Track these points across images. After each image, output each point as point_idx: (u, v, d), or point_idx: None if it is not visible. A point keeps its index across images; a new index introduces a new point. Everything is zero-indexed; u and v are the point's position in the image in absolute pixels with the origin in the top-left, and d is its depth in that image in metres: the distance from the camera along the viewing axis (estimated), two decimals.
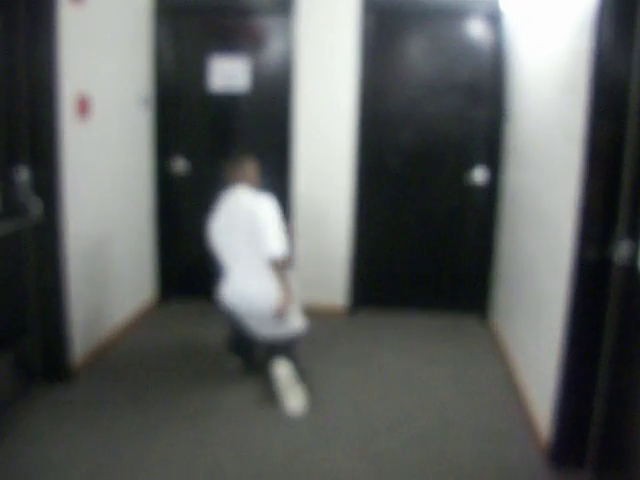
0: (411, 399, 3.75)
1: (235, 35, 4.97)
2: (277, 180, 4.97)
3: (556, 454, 3.00)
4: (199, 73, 5.00)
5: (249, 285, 3.68)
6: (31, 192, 3.46)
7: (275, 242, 3.55)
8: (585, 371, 2.87)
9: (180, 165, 5.14)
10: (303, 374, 3.89)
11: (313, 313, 4.86)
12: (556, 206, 3.24)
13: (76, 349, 3.86)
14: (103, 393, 3.71)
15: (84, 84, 3.83)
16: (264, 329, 3.77)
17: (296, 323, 3.80)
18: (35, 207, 3.48)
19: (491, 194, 4.96)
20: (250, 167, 3.86)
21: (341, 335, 4.74)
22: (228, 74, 4.97)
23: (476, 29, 4.81)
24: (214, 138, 5.22)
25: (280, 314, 3.60)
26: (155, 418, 3.44)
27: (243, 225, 3.64)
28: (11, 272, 3.48)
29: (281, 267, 3.61)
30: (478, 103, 4.89)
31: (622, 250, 2.61)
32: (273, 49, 4.96)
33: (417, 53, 4.95)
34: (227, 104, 5.04)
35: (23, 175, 3.43)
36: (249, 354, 4.08)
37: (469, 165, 4.97)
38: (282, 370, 3.68)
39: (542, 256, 3.50)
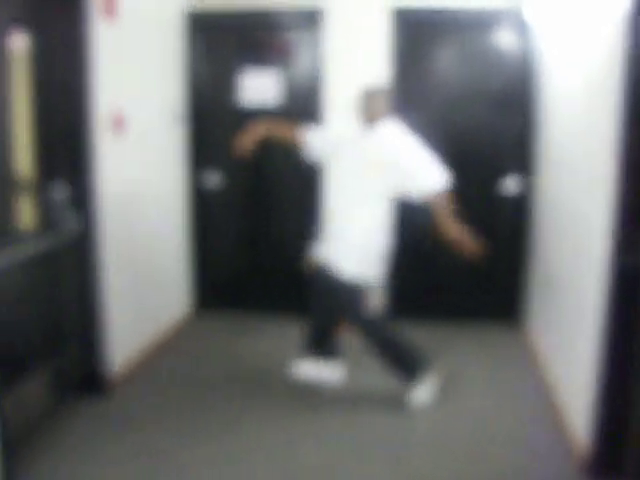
0: (445, 411, 3.73)
1: (265, 50, 5.02)
2: (307, 194, 4.99)
3: (594, 464, 2.96)
4: (231, 88, 5.06)
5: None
6: (68, 207, 3.53)
7: None
8: (623, 380, 2.83)
9: (214, 179, 5.20)
10: None
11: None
12: (590, 212, 3.21)
13: (115, 362, 3.92)
14: (141, 406, 3.75)
15: (119, 100, 3.91)
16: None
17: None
18: (72, 222, 3.55)
19: (523, 202, 4.93)
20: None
21: None
22: (259, 88, 5.02)
23: (505, 38, 4.79)
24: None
25: None
26: (193, 431, 3.47)
27: None
28: (50, 286, 3.55)
29: None
30: (509, 112, 4.87)
31: None
32: (303, 63, 5.00)
33: (447, 64, 4.96)
34: (258, 118, 5.07)
35: (60, 190, 3.50)
36: (333, 349, 4.02)
37: (501, 174, 4.95)
38: None
39: (577, 263, 3.47)
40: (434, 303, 5.23)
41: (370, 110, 3.69)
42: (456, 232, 3.63)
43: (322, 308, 3.91)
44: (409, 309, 5.19)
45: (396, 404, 3.79)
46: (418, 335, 4.92)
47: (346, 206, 3.69)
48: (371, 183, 3.61)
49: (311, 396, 3.89)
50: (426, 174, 3.59)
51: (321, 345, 4.00)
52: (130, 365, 4.14)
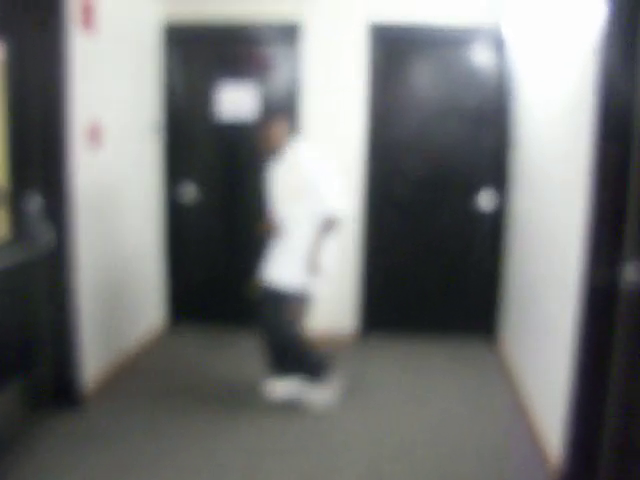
0: (420, 424, 3.74)
1: (243, 63, 5.03)
2: None
3: (567, 477, 2.98)
4: (208, 101, 5.06)
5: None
6: (42, 218, 3.50)
7: None
8: (596, 394, 2.85)
9: (189, 192, 5.18)
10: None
11: (319, 338, 4.88)
12: (563, 229, 3.25)
13: (87, 375, 3.87)
14: (115, 419, 3.71)
15: (95, 111, 3.89)
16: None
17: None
18: (46, 233, 3.51)
19: (498, 218, 4.98)
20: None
21: (349, 360, 4.73)
22: (236, 102, 5.02)
23: (481, 55, 4.86)
24: (223, 166, 5.25)
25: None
26: (166, 444, 3.44)
27: None
28: (22, 299, 3.50)
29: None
30: (484, 128, 4.92)
31: (629, 272, 2.62)
32: (281, 77, 5.02)
33: (423, 80, 5.01)
34: (235, 132, 5.08)
35: (34, 202, 3.47)
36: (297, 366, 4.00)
37: (476, 190, 5.00)
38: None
39: (550, 279, 3.51)
40: (409, 317, 5.25)
41: (272, 138, 3.76)
42: (315, 256, 3.71)
43: (270, 326, 3.89)
44: (384, 323, 5.21)
45: (370, 417, 3.79)
46: (392, 348, 4.96)
47: (286, 226, 3.79)
48: (299, 204, 3.72)
49: (286, 410, 3.87)
50: (328, 196, 3.68)
51: (284, 362, 3.97)
52: (103, 379, 4.09)
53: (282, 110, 3.95)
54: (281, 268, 3.77)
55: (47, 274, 3.60)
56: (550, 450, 3.23)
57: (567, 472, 2.98)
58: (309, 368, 3.93)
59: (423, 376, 4.44)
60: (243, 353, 4.78)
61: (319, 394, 3.93)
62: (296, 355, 3.91)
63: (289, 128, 3.83)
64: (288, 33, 4.91)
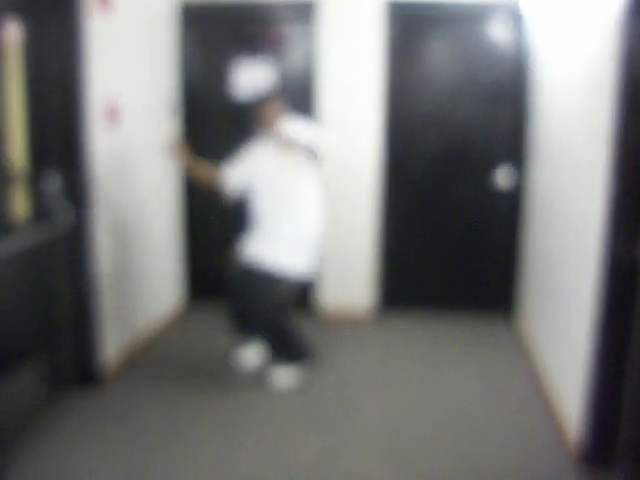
0: (438, 402, 3.75)
1: (259, 42, 5.01)
2: None
3: (587, 454, 2.98)
4: (224, 80, 5.05)
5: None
6: (61, 198, 3.52)
7: None
8: (616, 370, 2.85)
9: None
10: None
11: (337, 315, 4.91)
12: (583, 206, 3.23)
13: (107, 353, 3.91)
14: (133, 399, 3.74)
15: (113, 91, 3.89)
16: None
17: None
18: (65, 213, 3.53)
19: (516, 195, 4.95)
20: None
21: (366, 338, 4.76)
22: (253, 80, 5.00)
23: (498, 31, 4.80)
24: (239, 144, 5.24)
25: None
26: (186, 422, 3.47)
27: None
28: (43, 278, 3.53)
29: None
30: (501, 105, 4.88)
31: None
32: (297, 55, 5.00)
33: (441, 56, 4.96)
34: (252, 110, 5.06)
35: (53, 182, 3.49)
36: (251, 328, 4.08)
37: (494, 166, 4.96)
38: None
39: (570, 256, 3.49)
40: (427, 294, 5.25)
41: (267, 116, 3.85)
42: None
43: (262, 308, 3.86)
44: (402, 300, 5.22)
45: (389, 396, 3.81)
46: (410, 325, 4.96)
47: (287, 208, 3.88)
48: (295, 180, 3.87)
49: (304, 387, 3.90)
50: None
51: (248, 328, 4.06)
52: (122, 358, 4.13)
53: (278, 91, 4.02)
54: (282, 252, 3.80)
55: (67, 254, 3.63)
56: (570, 427, 3.23)
57: (587, 448, 2.98)
58: (290, 349, 3.95)
59: (441, 353, 4.44)
60: None
61: (285, 374, 3.94)
62: (282, 335, 3.92)
63: (283, 108, 3.89)
64: (304, 11, 4.87)
